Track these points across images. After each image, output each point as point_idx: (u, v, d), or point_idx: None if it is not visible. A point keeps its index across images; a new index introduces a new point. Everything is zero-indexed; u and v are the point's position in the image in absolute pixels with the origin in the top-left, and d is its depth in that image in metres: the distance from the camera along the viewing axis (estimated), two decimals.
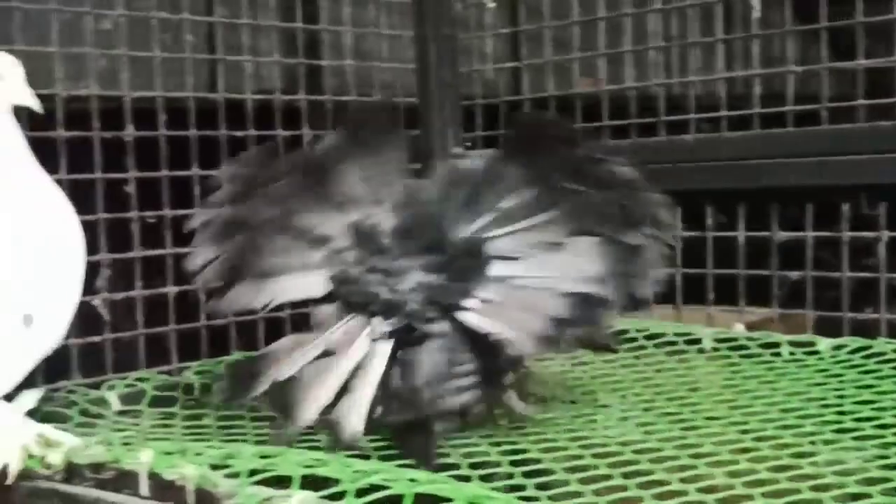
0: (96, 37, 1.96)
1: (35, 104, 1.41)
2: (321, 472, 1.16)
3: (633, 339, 2.00)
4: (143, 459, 1.19)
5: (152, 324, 2.01)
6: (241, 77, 2.19)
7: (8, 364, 1.31)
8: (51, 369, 1.69)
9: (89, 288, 1.44)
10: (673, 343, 1.98)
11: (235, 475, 1.16)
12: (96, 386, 1.78)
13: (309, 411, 1.40)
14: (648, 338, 2.00)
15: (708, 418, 1.54)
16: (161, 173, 1.99)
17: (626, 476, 1.26)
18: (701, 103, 2.25)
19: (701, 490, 1.19)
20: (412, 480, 1.12)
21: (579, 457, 1.35)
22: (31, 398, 1.34)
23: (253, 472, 1.16)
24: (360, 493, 1.07)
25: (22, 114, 1.42)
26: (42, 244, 1.34)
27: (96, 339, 1.90)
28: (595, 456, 1.35)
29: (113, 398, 1.71)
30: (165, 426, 1.61)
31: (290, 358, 1.44)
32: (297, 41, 2.31)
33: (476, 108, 2.47)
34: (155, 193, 1.99)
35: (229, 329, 2.07)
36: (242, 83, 2.18)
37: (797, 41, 2.19)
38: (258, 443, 1.42)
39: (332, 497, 1.09)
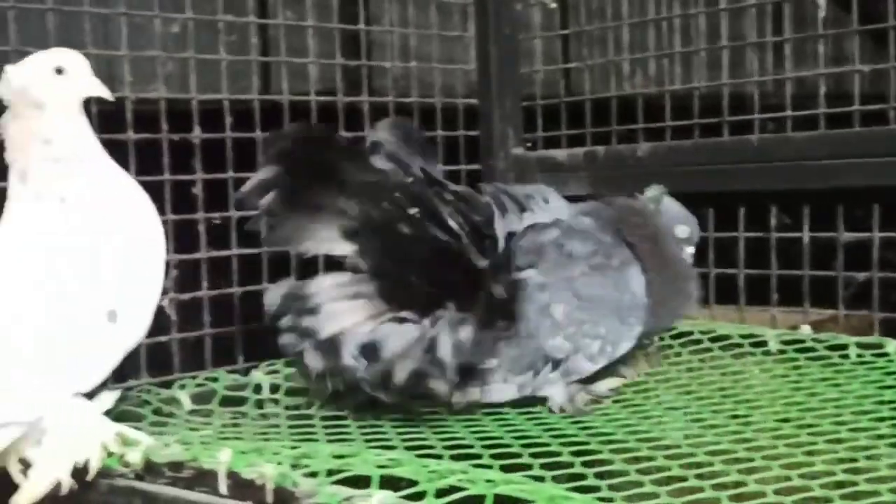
0: (163, 40, 1.98)
1: (105, 93, 1.43)
2: (397, 472, 1.18)
3: (698, 342, 1.98)
4: (222, 458, 1.20)
5: (218, 324, 2.02)
6: (299, 79, 2.20)
7: (93, 360, 1.34)
8: (120, 369, 1.72)
9: None
10: (739, 345, 1.96)
11: (312, 475, 1.18)
12: (165, 385, 1.80)
13: (332, 326, 1.59)
14: (713, 340, 1.98)
15: (778, 420, 1.53)
16: (227, 175, 2.01)
17: (700, 477, 1.26)
18: (765, 103, 2.23)
19: (778, 492, 1.18)
20: (489, 481, 1.13)
21: (651, 458, 1.35)
22: (109, 398, 1.36)
23: (329, 473, 1.17)
24: (440, 493, 1.08)
25: (92, 116, 1.44)
26: (125, 240, 1.36)
27: (163, 338, 1.92)
28: (667, 457, 1.35)
29: (185, 397, 1.73)
30: (236, 426, 1.62)
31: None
32: (359, 42, 2.31)
33: (536, 108, 2.47)
34: (221, 195, 2.00)
35: None
36: (299, 85, 2.19)
37: (863, 40, 2.17)
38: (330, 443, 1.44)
39: (410, 497, 1.10)
